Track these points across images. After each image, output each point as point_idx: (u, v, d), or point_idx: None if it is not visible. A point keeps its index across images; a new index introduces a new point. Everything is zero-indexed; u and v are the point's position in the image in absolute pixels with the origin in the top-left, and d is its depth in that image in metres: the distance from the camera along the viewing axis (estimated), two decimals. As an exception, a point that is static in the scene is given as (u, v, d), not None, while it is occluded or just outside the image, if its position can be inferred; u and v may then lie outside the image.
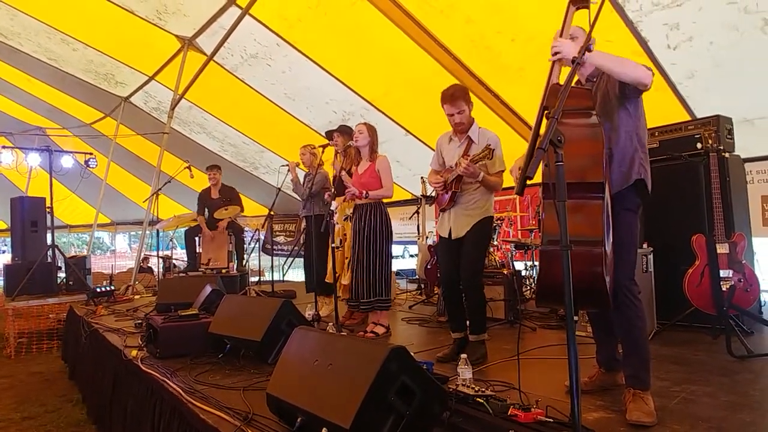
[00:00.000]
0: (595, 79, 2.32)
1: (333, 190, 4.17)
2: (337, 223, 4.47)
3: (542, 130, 1.94)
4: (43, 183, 7.95)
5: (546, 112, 1.73)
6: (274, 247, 10.88)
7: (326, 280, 4.59)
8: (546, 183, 1.93)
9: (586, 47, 1.74)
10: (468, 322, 3.23)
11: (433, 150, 3.41)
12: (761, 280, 3.54)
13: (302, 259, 5.51)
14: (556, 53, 2.01)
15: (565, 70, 1.93)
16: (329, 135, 4.75)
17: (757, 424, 2.04)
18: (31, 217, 7.22)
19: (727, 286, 3.36)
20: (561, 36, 2.15)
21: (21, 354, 5.97)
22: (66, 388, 4.91)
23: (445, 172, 3.33)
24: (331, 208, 4.02)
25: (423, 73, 5.65)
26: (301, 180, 5.20)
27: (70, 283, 7.05)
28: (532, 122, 2.03)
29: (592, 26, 1.79)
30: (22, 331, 6.09)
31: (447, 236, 3.26)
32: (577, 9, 2.10)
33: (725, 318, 3.19)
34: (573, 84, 2.01)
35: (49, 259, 6.92)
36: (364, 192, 3.82)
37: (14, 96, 9.82)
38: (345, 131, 4.53)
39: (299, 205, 5.22)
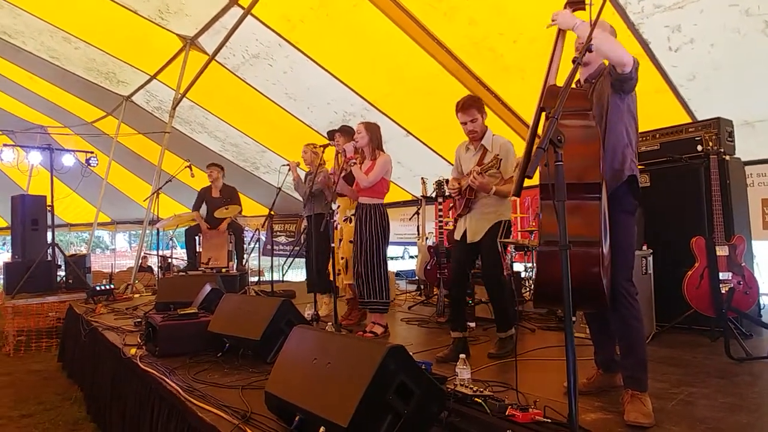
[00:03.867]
0: (593, 80, 2.33)
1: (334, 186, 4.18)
2: (338, 224, 4.47)
3: (539, 131, 1.96)
4: (44, 181, 7.96)
5: (544, 112, 1.74)
6: (275, 247, 10.88)
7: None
8: (544, 184, 1.94)
9: (587, 48, 1.74)
10: (494, 320, 3.37)
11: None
12: (760, 283, 3.53)
13: (304, 259, 5.48)
14: (552, 20, 2.12)
15: (564, 71, 1.93)
16: (331, 135, 4.76)
17: (755, 426, 2.04)
18: (31, 216, 7.23)
19: (727, 289, 3.36)
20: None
21: (20, 352, 5.97)
22: (64, 386, 4.90)
23: (463, 179, 3.40)
24: (333, 207, 4.02)
25: (425, 74, 5.66)
26: (303, 179, 5.20)
27: (70, 281, 7.05)
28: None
29: (593, 27, 1.79)
30: (22, 329, 6.08)
31: (461, 239, 3.34)
32: (574, 10, 2.12)
33: (724, 320, 3.18)
34: (572, 85, 2.02)
35: (49, 258, 6.92)
36: (352, 160, 3.91)
37: (16, 94, 9.84)
38: (347, 131, 4.53)
39: (301, 204, 5.23)
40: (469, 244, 3.29)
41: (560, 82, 1.95)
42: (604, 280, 1.94)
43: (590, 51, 1.76)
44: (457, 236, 3.39)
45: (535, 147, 1.54)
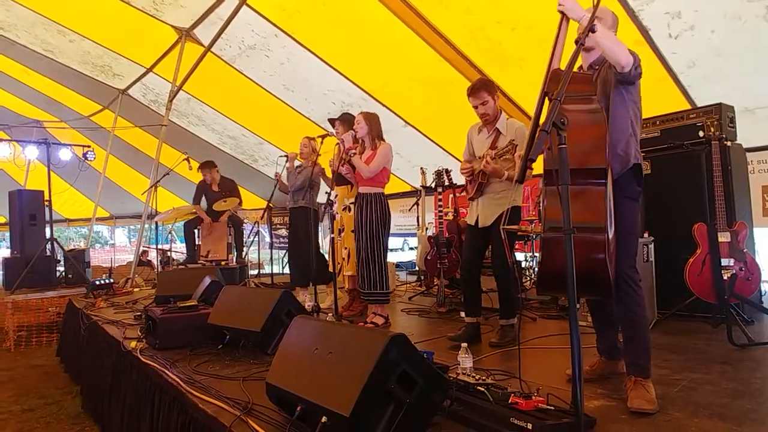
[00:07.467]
0: (597, 67, 2.31)
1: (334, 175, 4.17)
2: (337, 213, 4.46)
3: (542, 117, 1.93)
4: (41, 176, 7.89)
5: (547, 96, 1.71)
6: (275, 240, 10.85)
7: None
8: (548, 170, 1.91)
9: (590, 29, 1.70)
10: (499, 308, 3.39)
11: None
12: (762, 270, 3.52)
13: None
14: (560, 4, 2.03)
15: (567, 54, 1.90)
16: (332, 123, 4.74)
17: (758, 411, 2.04)
18: (29, 211, 7.19)
19: (729, 275, 3.35)
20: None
21: (21, 347, 5.97)
22: (65, 380, 4.91)
23: (475, 161, 3.39)
24: (331, 197, 3.99)
25: (422, 64, 5.62)
26: (296, 172, 5.19)
27: (70, 276, 7.04)
28: (532, 111, 2.01)
29: (595, 8, 1.76)
30: (22, 324, 6.08)
31: (474, 224, 3.36)
32: None
33: (726, 307, 3.18)
34: (575, 69, 1.99)
35: (48, 253, 6.90)
36: (351, 151, 3.88)
37: (11, 88, 9.75)
38: (347, 120, 4.50)
39: (288, 197, 5.23)
40: (480, 228, 3.31)
41: (563, 66, 1.91)
42: (610, 267, 1.92)
43: (593, 32, 1.72)
44: (470, 221, 3.40)
45: (538, 131, 1.51)
